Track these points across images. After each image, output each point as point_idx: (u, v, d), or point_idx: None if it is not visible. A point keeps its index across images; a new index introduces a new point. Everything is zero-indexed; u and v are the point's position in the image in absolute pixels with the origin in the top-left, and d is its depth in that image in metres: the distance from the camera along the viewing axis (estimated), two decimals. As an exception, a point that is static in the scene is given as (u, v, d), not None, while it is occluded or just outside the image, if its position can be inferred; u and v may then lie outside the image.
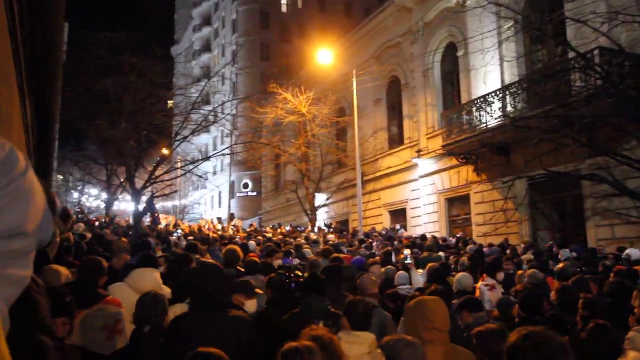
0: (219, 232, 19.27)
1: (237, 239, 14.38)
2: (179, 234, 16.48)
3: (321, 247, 10.84)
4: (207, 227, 22.26)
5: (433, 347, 2.87)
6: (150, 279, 4.17)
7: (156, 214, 22.26)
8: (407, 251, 8.20)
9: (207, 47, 53.93)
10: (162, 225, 21.45)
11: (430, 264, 7.07)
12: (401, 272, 6.92)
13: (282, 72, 27.15)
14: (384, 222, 22.07)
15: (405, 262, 7.64)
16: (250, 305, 4.16)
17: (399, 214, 21.80)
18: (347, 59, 23.17)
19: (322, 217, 26.14)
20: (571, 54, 12.56)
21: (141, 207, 19.90)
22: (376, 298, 4.84)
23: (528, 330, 1.95)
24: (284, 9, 47.45)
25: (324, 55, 21.46)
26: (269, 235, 17.30)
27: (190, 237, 14.78)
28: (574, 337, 3.82)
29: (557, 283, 6.45)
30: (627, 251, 9.30)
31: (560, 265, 8.12)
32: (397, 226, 19.61)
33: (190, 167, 25.76)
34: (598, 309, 4.40)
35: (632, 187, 11.27)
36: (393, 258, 9.19)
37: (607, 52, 11.90)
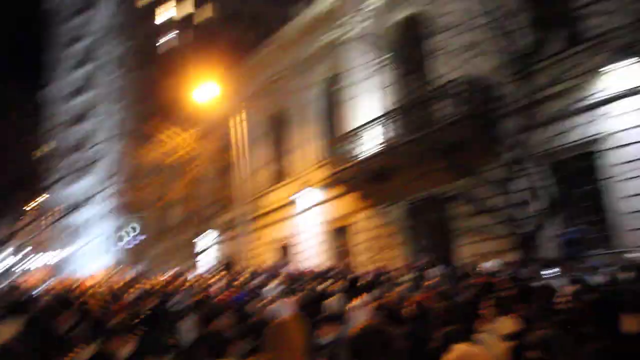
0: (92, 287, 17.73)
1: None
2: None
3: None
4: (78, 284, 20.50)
5: None
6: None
7: None
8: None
9: (84, 87, 51.27)
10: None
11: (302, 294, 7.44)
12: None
13: (165, 110, 26.52)
14: (273, 258, 21.84)
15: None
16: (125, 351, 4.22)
17: (286, 250, 21.69)
18: (232, 94, 23.14)
19: (211, 257, 25.34)
20: (437, 84, 13.52)
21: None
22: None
23: (368, 324, 2.37)
24: (166, 46, 46.75)
25: (208, 91, 21.28)
26: (153, 284, 16.44)
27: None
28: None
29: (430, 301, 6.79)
30: (484, 265, 9.96)
31: (429, 282, 8.57)
32: (283, 262, 19.50)
33: (66, 215, 24.05)
34: (449, 317, 4.72)
35: (493, 205, 12.13)
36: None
37: (467, 82, 12.93)
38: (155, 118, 24.30)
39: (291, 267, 18.35)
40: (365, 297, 7.56)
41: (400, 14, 16.80)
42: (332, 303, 6.27)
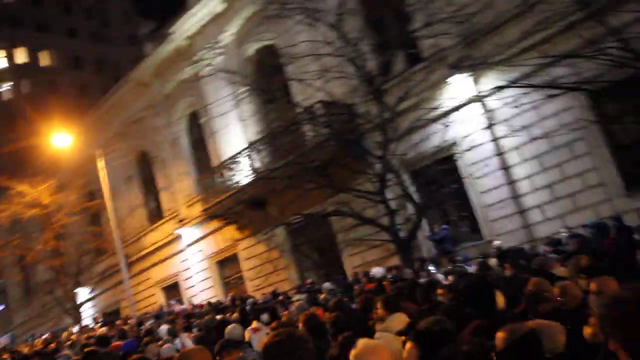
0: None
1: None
2: None
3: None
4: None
5: None
6: None
7: None
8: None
9: None
10: None
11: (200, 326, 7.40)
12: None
13: (15, 163, 24.29)
14: (159, 300, 20.95)
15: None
16: None
17: (173, 289, 20.96)
18: (89, 140, 21.85)
19: (90, 313, 23.58)
20: (299, 109, 14.08)
21: None
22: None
23: (277, 331, 2.53)
24: (6, 95, 42.91)
25: (62, 139, 19.85)
26: (25, 350, 14.90)
27: None
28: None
29: (326, 314, 7.08)
30: (372, 272, 10.59)
31: (322, 296, 8.88)
32: (172, 301, 18.82)
33: None
34: (343, 325, 4.99)
35: (370, 215, 12.92)
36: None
37: (326, 105, 13.64)
38: (6, 173, 22.13)
39: (182, 305, 17.81)
40: (260, 320, 7.72)
41: (252, 47, 17.31)
42: (232, 331, 6.34)
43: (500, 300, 4.48)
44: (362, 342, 2.74)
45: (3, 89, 43.16)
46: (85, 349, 8.36)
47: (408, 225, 12.14)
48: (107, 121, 22.79)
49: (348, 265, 14.53)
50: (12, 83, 43.01)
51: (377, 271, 10.25)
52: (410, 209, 12.27)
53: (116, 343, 9.60)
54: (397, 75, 13.30)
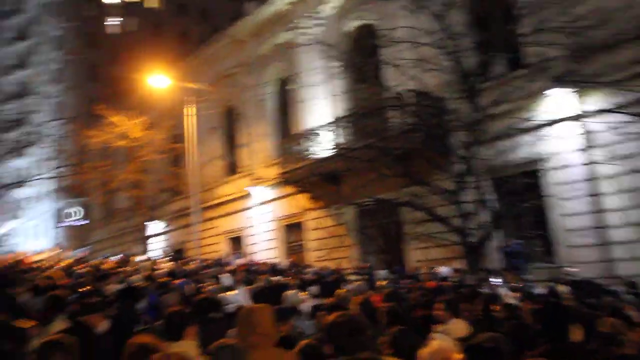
0: (38, 264, 17.39)
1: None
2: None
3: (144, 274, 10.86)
4: (23, 259, 19.90)
5: (257, 350, 3.13)
6: None
7: None
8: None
9: (23, 63, 48.66)
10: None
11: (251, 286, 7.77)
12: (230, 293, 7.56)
13: (113, 94, 25.71)
14: (223, 250, 21.87)
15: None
16: (103, 326, 4.51)
17: (237, 242, 21.79)
18: (182, 86, 22.67)
19: (159, 246, 25.05)
20: (389, 94, 13.84)
21: None
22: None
23: (342, 312, 2.59)
24: (115, 30, 45.07)
25: (159, 80, 20.81)
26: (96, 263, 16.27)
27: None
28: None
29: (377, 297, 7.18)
30: (437, 270, 10.47)
31: (380, 282, 8.88)
32: (232, 254, 19.59)
33: (2, 191, 23.05)
34: (397, 317, 5.01)
35: (442, 212, 12.69)
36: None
37: (417, 94, 13.32)
38: (104, 102, 23.52)
39: (243, 259, 18.51)
40: (313, 292, 7.87)
41: (351, 24, 17.05)
42: (291, 297, 6.56)
43: (577, 333, 4.36)
44: (437, 343, 2.77)
45: (112, 23, 45.22)
46: (160, 279, 9.06)
47: (480, 231, 11.82)
48: (202, 71, 23.49)
49: (410, 258, 14.45)
50: (121, 19, 44.96)
51: (443, 270, 10.11)
52: (485, 216, 11.92)
53: (175, 281, 10.21)
54: (495, 77, 12.69)
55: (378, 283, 9.94)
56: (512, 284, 10.12)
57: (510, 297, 8.64)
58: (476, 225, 12.23)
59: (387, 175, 12.79)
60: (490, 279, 10.45)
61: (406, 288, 9.52)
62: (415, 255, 14.22)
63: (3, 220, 39.98)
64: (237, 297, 8.09)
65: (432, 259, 13.55)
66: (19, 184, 24.95)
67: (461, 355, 2.87)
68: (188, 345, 3.43)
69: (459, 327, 4.74)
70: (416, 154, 12.87)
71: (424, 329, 5.02)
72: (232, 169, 22.58)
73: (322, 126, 16.15)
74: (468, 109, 11.66)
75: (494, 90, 12.02)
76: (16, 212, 39.47)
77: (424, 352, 2.77)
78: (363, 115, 15.10)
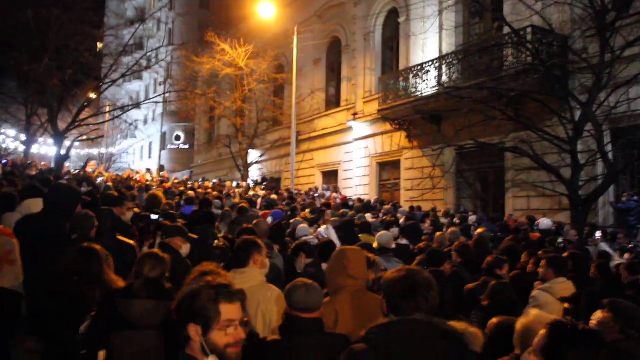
0: (147, 183, 18.74)
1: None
2: (102, 180, 16.04)
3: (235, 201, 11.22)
4: (134, 177, 21.54)
5: (346, 292, 3.10)
6: (38, 206, 4.26)
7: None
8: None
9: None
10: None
11: (335, 219, 7.74)
12: (302, 225, 7.30)
13: (222, 22, 26.16)
14: (317, 182, 22.26)
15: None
16: (185, 249, 4.57)
17: (331, 176, 22.05)
18: (289, 15, 22.66)
19: (255, 174, 26.00)
20: (506, 30, 12.89)
21: (63, 151, 18.94)
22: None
23: (402, 267, 2.28)
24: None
25: (266, 8, 20.92)
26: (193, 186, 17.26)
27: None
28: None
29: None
30: (539, 221, 9.91)
31: (480, 230, 8.53)
32: (327, 187, 19.88)
33: (119, 113, 24.69)
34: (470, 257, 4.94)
35: (550, 162, 11.93)
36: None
37: (538, 31, 12.30)
38: (214, 29, 24.04)
39: (337, 193, 18.77)
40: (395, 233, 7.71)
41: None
42: (381, 238, 6.47)
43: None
44: (534, 314, 2.58)
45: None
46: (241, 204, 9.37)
47: (591, 185, 11.01)
48: (308, 1, 23.25)
49: (509, 206, 13.85)
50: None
51: (545, 223, 9.55)
52: (600, 168, 11.05)
53: (265, 212, 10.47)
54: (635, 13, 11.33)
55: (477, 231, 9.31)
56: (622, 244, 9.38)
57: (618, 258, 8.03)
58: (587, 178, 11.42)
59: (495, 118, 12.11)
60: (598, 236, 9.77)
61: (504, 236, 9.07)
62: (515, 204, 13.59)
63: (118, 139, 43.20)
64: (323, 231, 8.10)
65: (533, 209, 12.89)
66: (134, 106, 26.58)
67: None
68: (253, 272, 3.39)
69: (564, 287, 4.43)
70: (529, 97, 12.01)
71: (526, 285, 4.82)
72: (333, 102, 22.57)
73: (428, 62, 15.49)
74: (597, 49, 10.60)
75: (632, 29, 10.79)
76: (129, 133, 42.37)
77: (521, 321, 2.53)
78: (474, 52, 14.25)
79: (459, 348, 2.01)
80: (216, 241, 5.65)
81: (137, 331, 2.52)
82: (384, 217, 10.54)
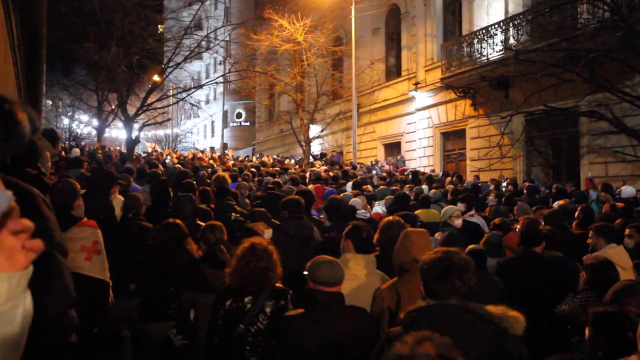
0: (212, 162, 19.21)
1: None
2: (169, 160, 16.66)
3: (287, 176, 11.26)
4: (201, 156, 22.12)
5: (410, 275, 3.09)
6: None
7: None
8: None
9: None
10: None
11: (388, 196, 7.83)
12: (355, 198, 7.15)
13: (279, -3, 26.07)
14: (379, 155, 22.03)
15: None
16: (268, 234, 4.66)
17: (394, 148, 21.74)
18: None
19: (317, 149, 26.06)
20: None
21: (134, 134, 19.68)
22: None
23: (440, 249, 2.28)
24: None
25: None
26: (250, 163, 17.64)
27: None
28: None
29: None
30: (622, 189, 9.31)
31: (561, 202, 7.98)
32: (387, 161, 19.63)
33: (183, 94, 25.31)
34: (554, 240, 4.59)
35: (631, 125, 11.21)
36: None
37: (617, -16, 11.40)
38: (270, 5, 24.00)
39: (398, 165, 18.50)
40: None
41: None
42: (447, 211, 6.32)
43: None
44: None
45: None
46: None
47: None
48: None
49: (584, 173, 13.13)
50: None
51: (628, 191, 8.97)
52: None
53: (318, 186, 10.41)
54: None
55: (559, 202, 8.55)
56: None
57: None
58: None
59: (570, 81, 11.45)
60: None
61: (580, 205, 8.53)
62: (592, 171, 12.85)
63: (182, 119, 44.45)
64: (378, 207, 7.99)
65: (612, 175, 12.18)
66: (197, 88, 27.13)
67: None
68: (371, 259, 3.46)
69: (615, 251, 4.28)
70: (609, 56, 11.22)
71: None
72: (393, 72, 22.10)
73: (493, 25, 14.78)
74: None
75: None
76: (192, 113, 43.46)
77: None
78: (544, 12, 13.44)
79: (497, 332, 1.99)
80: (233, 214, 5.87)
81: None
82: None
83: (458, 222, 6.24)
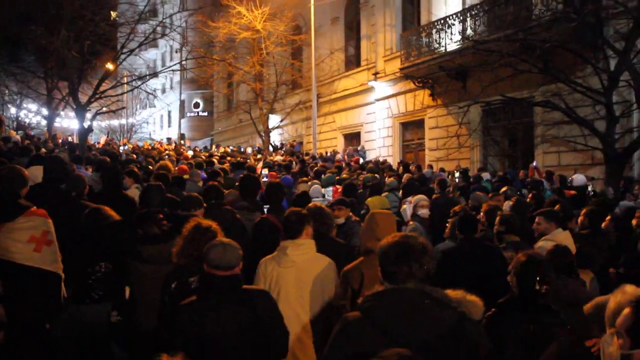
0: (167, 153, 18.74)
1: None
2: (125, 149, 16.11)
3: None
4: (155, 147, 21.58)
5: (374, 255, 2.96)
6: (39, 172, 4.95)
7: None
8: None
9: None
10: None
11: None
12: (315, 186, 7.48)
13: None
14: (339, 145, 22.02)
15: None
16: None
17: (353, 138, 21.77)
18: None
19: (277, 139, 25.83)
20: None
21: (86, 124, 18.97)
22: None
23: (396, 234, 2.27)
24: None
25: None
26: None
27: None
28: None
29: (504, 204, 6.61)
30: (573, 177, 9.58)
31: (505, 188, 8.16)
32: (347, 150, 19.63)
33: (138, 82, 24.55)
34: (514, 225, 4.63)
35: (582, 115, 11.50)
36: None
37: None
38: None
39: (353, 155, 18.49)
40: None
41: None
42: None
43: None
44: (631, 290, 2.38)
45: None
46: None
47: (627, 137, 10.59)
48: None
49: (539, 163, 13.41)
50: None
51: (579, 179, 9.22)
52: (636, 120, 10.61)
53: (272, 173, 10.31)
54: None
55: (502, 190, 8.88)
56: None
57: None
58: (623, 130, 11.00)
59: (525, 72, 11.64)
60: (635, 192, 9.44)
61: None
62: (545, 160, 13.19)
63: (137, 109, 43.27)
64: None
65: (564, 164, 12.52)
66: (152, 76, 26.33)
67: None
68: (309, 244, 3.44)
69: (562, 236, 4.44)
70: (560, 47, 11.46)
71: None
72: (353, 62, 22.06)
73: (451, 15, 14.89)
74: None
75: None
76: (148, 102, 42.36)
77: (617, 298, 2.29)
78: (500, 3, 13.62)
79: (455, 316, 1.96)
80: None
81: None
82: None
83: (423, 212, 6.27)
